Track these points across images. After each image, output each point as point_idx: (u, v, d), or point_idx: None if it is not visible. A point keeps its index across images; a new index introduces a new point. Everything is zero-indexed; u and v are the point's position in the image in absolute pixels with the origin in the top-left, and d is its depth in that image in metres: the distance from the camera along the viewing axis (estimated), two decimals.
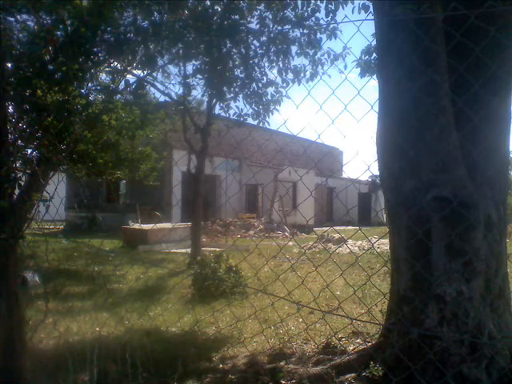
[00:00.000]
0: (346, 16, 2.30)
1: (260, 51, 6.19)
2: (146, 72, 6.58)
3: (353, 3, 5.49)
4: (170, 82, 20.76)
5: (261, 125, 7.68)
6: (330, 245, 14.21)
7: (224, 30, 5.36)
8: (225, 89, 6.89)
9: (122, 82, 5.92)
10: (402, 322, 2.77)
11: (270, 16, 6.13)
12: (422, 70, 2.58)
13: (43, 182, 3.56)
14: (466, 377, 2.57)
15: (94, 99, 6.81)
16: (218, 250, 9.71)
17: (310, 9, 5.80)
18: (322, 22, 6.02)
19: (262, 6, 6.10)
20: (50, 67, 4.78)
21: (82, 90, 5.67)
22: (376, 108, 2.73)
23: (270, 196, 21.44)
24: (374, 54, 5.49)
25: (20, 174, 3.03)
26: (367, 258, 10.42)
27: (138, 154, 9.85)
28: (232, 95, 7.18)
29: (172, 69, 25.42)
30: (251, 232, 19.00)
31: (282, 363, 3.40)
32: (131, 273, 8.39)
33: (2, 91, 2.76)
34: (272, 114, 7.27)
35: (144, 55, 5.38)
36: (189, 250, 10.29)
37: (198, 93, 31.94)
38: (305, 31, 6.05)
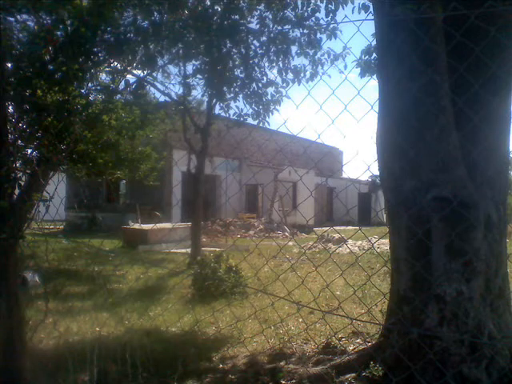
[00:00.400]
0: (346, 16, 2.30)
1: (260, 51, 6.18)
2: (146, 72, 6.58)
3: (353, 3, 5.49)
4: (170, 82, 20.76)
5: (261, 125, 7.67)
6: (329, 245, 14.21)
7: (224, 30, 5.36)
8: (225, 89, 6.88)
9: (122, 82, 5.92)
10: (402, 322, 2.77)
11: (270, 16, 6.12)
12: (422, 70, 2.58)
13: (43, 181, 3.56)
14: (466, 377, 2.57)
15: (94, 99, 6.81)
16: (218, 250, 9.71)
17: (310, 9, 5.80)
18: (321, 22, 6.01)
19: (262, 6, 6.10)
20: (50, 67, 4.78)
21: (82, 90, 5.66)
22: (376, 108, 2.73)
23: (269, 196, 21.45)
24: (374, 54, 5.49)
25: (20, 174, 3.03)
26: (367, 258, 10.42)
27: (138, 154, 9.85)
28: (232, 95, 7.17)
29: (172, 69, 25.41)
30: (251, 232, 18.99)
31: (282, 363, 3.40)
32: (131, 273, 8.39)
33: (2, 91, 2.77)
34: (272, 113, 7.26)
35: (144, 55, 5.37)
36: (189, 250, 10.29)
37: (198, 93, 31.93)
38: (305, 31, 6.05)
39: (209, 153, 11.70)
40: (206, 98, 10.66)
